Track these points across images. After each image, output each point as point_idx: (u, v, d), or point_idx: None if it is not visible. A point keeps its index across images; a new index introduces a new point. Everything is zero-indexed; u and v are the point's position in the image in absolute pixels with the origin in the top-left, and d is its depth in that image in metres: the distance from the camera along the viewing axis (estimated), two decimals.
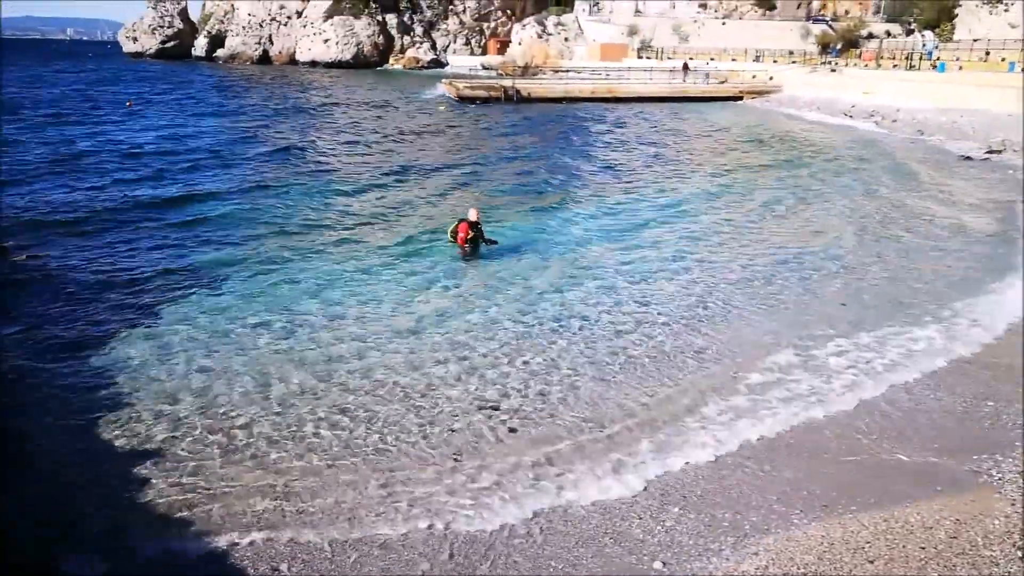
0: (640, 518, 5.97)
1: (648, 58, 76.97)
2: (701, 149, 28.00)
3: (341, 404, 7.67)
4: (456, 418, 7.45)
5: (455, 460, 6.71)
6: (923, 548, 5.48)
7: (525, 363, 8.73)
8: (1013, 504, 5.99)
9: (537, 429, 7.30)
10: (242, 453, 6.74)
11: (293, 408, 7.57)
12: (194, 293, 10.91)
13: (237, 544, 5.59)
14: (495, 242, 13.03)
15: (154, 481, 6.29)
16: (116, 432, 7.05)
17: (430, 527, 5.80)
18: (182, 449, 6.79)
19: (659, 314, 10.44)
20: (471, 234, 12.66)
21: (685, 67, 56.47)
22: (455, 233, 12.73)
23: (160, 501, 6.06)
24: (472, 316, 10.17)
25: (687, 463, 6.74)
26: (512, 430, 7.28)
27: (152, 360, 8.63)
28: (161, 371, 8.35)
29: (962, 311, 10.57)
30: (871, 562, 5.33)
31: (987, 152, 25.38)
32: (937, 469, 6.63)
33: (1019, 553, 5.38)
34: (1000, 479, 6.40)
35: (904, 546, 5.51)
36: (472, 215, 12.93)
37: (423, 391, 7.99)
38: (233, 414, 7.41)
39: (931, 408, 7.81)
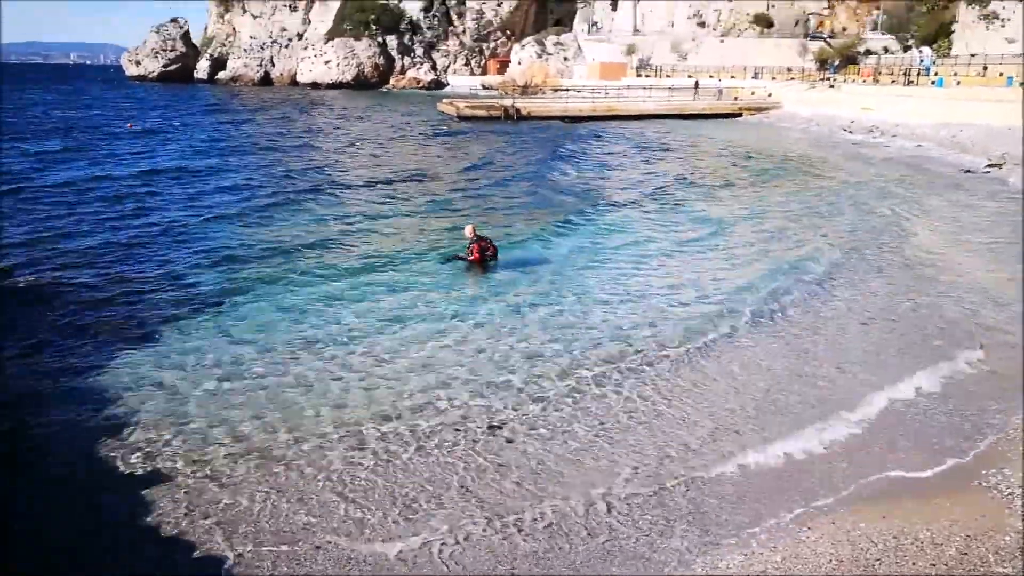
0: (646, 534, 5.88)
1: (647, 76, 77.40)
2: (703, 166, 28.04)
3: (348, 421, 7.60)
4: (459, 432, 7.39)
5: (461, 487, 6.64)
6: (933, 565, 5.38)
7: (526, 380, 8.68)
8: None
9: (538, 439, 7.22)
10: (247, 474, 6.64)
11: (296, 427, 7.51)
12: (198, 313, 10.81)
13: (237, 563, 5.51)
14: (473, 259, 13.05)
15: (157, 502, 6.22)
16: (121, 453, 6.96)
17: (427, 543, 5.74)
18: (186, 468, 6.70)
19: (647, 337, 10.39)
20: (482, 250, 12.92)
21: (696, 85, 57.18)
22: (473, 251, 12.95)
23: (162, 521, 5.99)
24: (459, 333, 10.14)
25: (692, 478, 6.67)
26: (509, 440, 7.27)
27: (156, 381, 8.53)
28: (165, 391, 8.26)
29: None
30: None
31: (987, 166, 25.40)
32: (945, 483, 6.54)
33: None
34: (1010, 493, 6.30)
35: (914, 563, 5.41)
36: (467, 232, 13.22)
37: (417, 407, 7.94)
38: (235, 436, 7.31)
39: (937, 421, 7.72)
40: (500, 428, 7.55)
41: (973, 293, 11.89)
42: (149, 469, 6.73)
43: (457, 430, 7.49)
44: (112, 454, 6.98)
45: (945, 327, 10.40)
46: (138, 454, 6.96)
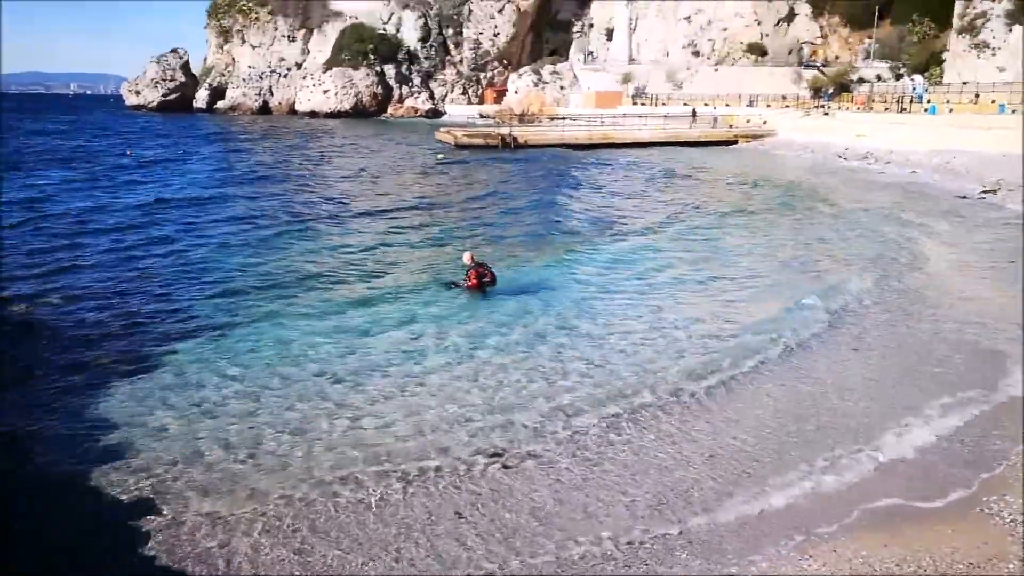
0: (646, 563, 5.86)
1: (643, 104, 78.16)
2: (709, 194, 28.20)
3: (348, 457, 7.59)
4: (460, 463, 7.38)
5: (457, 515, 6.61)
6: None
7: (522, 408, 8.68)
8: None
9: (538, 472, 7.22)
10: (242, 508, 6.60)
11: (294, 462, 7.48)
12: (199, 345, 10.77)
13: None
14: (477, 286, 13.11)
15: (149, 535, 6.16)
16: (114, 484, 6.91)
17: None
18: (175, 501, 6.65)
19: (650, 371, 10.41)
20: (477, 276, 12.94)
21: (693, 113, 57.91)
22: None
23: (156, 556, 5.94)
24: (460, 362, 10.14)
25: (693, 506, 6.66)
26: (506, 467, 7.29)
27: (157, 407, 8.54)
28: (166, 418, 8.25)
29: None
30: None
31: (982, 192, 25.62)
32: (947, 510, 6.53)
33: None
34: (1012, 520, 6.30)
35: None
36: (466, 258, 13.27)
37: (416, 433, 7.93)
38: (232, 469, 7.27)
39: (939, 448, 7.73)
40: (501, 456, 7.55)
41: (976, 319, 11.93)
42: (147, 487, 6.72)
43: (458, 460, 7.46)
44: (111, 470, 6.99)
45: (944, 357, 10.42)
46: (136, 470, 6.97)
